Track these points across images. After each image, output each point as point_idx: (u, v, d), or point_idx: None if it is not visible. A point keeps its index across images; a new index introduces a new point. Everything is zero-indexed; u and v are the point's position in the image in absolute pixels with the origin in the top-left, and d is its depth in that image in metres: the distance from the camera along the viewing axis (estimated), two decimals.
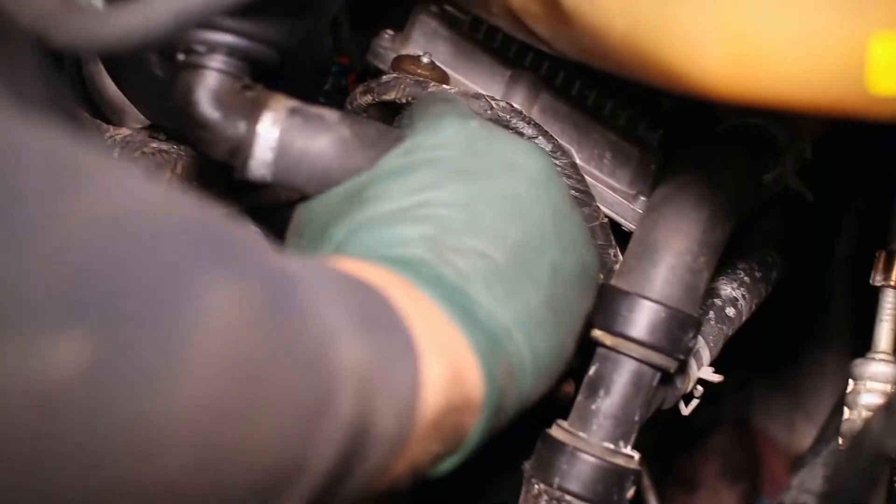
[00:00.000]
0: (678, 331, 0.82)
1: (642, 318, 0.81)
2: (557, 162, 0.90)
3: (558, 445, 0.82)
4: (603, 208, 0.95)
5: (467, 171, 0.69)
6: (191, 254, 0.38)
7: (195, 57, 0.69)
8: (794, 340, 1.47)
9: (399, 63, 0.97)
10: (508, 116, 0.90)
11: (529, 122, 0.90)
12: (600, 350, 0.84)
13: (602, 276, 0.94)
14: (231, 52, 0.69)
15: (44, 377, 0.33)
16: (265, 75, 0.72)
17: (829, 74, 0.59)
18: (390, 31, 1.04)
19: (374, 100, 0.93)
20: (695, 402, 0.94)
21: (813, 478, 1.22)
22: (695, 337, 0.83)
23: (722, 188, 0.85)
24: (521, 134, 0.90)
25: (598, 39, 0.67)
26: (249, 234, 0.46)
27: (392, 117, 0.95)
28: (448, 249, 0.65)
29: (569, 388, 0.96)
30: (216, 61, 0.69)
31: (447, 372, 0.58)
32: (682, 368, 0.89)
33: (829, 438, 1.27)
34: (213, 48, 0.69)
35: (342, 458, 0.47)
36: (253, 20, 0.68)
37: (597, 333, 0.83)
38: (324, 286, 0.50)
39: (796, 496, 1.21)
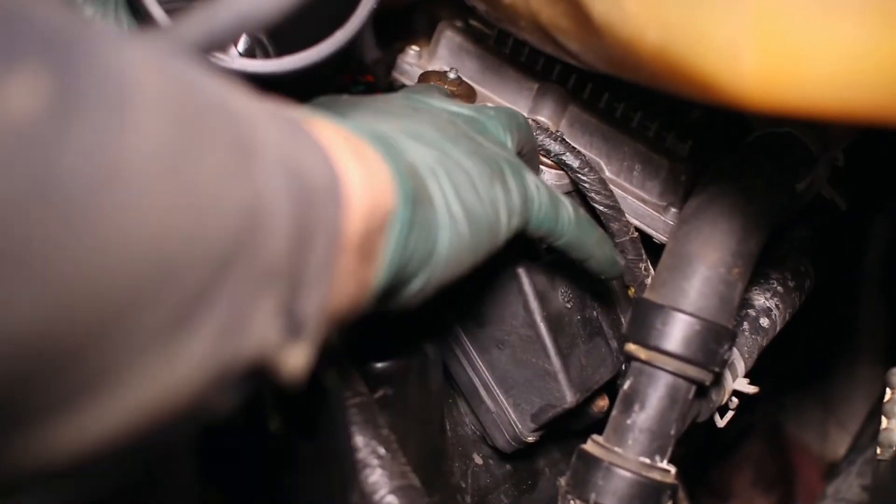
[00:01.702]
0: (713, 343, 0.81)
1: (677, 332, 0.81)
2: (585, 178, 0.90)
3: (594, 461, 0.82)
4: (633, 220, 0.94)
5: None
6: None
7: None
8: (825, 348, 1.46)
9: (425, 79, 0.97)
10: (535, 133, 0.89)
11: (556, 138, 0.90)
12: (635, 364, 0.83)
13: (634, 290, 0.94)
14: None
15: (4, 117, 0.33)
16: None
17: (866, 83, 0.58)
18: (416, 48, 1.03)
19: None
20: (730, 414, 0.93)
21: (848, 486, 1.20)
22: (730, 349, 0.83)
23: (754, 198, 0.85)
24: (548, 151, 0.90)
25: (629, 52, 0.66)
26: None
27: None
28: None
29: (603, 402, 0.96)
30: None
31: (366, 180, 0.54)
32: (718, 381, 0.88)
33: (863, 446, 1.26)
34: None
35: (295, 209, 0.46)
36: None
37: (631, 347, 0.82)
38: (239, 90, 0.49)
39: None
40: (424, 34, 1.27)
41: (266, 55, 0.87)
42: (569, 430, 0.98)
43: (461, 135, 0.69)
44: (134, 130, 0.36)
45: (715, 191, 0.85)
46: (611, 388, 0.94)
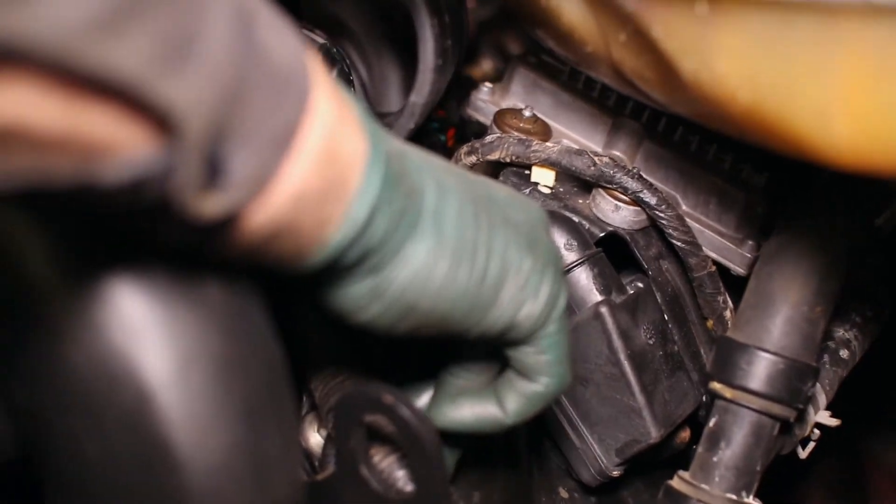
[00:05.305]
0: (797, 381, 0.82)
1: (761, 371, 0.82)
2: (662, 215, 0.91)
3: (681, 498, 0.83)
4: (711, 253, 0.95)
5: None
6: None
7: None
8: None
9: (501, 118, 0.98)
10: (612, 171, 0.91)
11: (634, 176, 0.91)
12: (720, 402, 0.84)
13: (712, 323, 0.95)
14: None
15: None
16: None
17: None
18: (489, 84, 1.05)
19: (478, 160, 0.94)
20: (812, 445, 0.94)
21: None
22: (813, 385, 0.84)
23: (835, 237, 0.86)
24: (625, 188, 0.91)
25: (718, 108, 0.67)
26: None
27: (498, 172, 0.97)
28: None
29: (685, 434, 0.97)
30: None
31: (337, 106, 0.50)
32: (801, 416, 0.89)
33: None
34: None
35: (236, 29, 0.42)
36: None
37: (716, 386, 0.84)
38: None
39: None
40: (490, 58, 1.29)
41: None
42: (651, 461, 0.99)
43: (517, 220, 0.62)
44: None
45: (795, 230, 0.86)
46: (693, 420, 0.96)
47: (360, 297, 0.56)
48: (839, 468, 1.49)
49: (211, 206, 0.44)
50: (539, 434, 0.95)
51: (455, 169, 0.62)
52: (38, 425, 0.56)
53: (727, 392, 0.83)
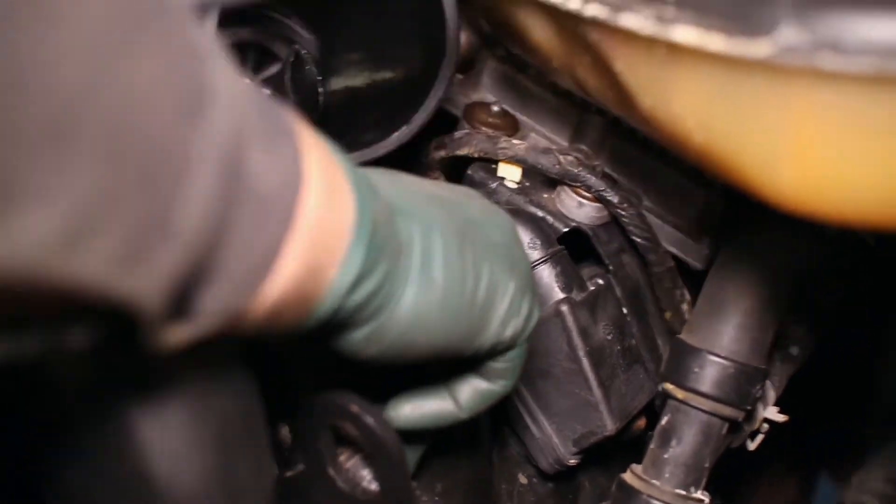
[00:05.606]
0: (746, 384, 0.86)
1: (712, 374, 0.86)
2: (624, 213, 0.94)
3: (633, 492, 0.88)
4: (671, 248, 0.98)
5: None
6: None
7: None
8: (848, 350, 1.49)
9: (471, 111, 1.01)
10: (576, 170, 0.93)
11: (597, 174, 0.93)
12: (672, 402, 0.88)
13: (670, 315, 0.99)
14: None
15: None
16: None
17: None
18: (459, 76, 1.06)
19: (447, 155, 0.97)
20: (760, 438, 0.98)
21: (875, 478, 1.25)
22: (762, 387, 0.88)
23: (786, 244, 0.89)
24: (588, 186, 0.93)
25: (673, 142, 0.70)
26: None
27: (464, 169, 0.99)
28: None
29: (641, 423, 1.01)
30: None
31: (327, 191, 0.50)
32: (750, 414, 0.93)
33: (891, 438, 1.30)
34: None
35: (219, 187, 0.41)
36: None
37: (669, 387, 0.88)
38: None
39: (857, 496, 1.25)
40: (464, 33, 1.30)
41: None
42: (608, 448, 1.03)
43: (495, 227, 0.66)
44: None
45: (748, 238, 0.89)
46: (649, 408, 0.99)
47: (357, 343, 0.58)
48: (786, 458, 1.53)
49: (175, 337, 0.45)
50: (500, 423, 0.99)
51: (434, 191, 0.64)
52: (26, 456, 0.59)
53: (679, 393, 0.87)
